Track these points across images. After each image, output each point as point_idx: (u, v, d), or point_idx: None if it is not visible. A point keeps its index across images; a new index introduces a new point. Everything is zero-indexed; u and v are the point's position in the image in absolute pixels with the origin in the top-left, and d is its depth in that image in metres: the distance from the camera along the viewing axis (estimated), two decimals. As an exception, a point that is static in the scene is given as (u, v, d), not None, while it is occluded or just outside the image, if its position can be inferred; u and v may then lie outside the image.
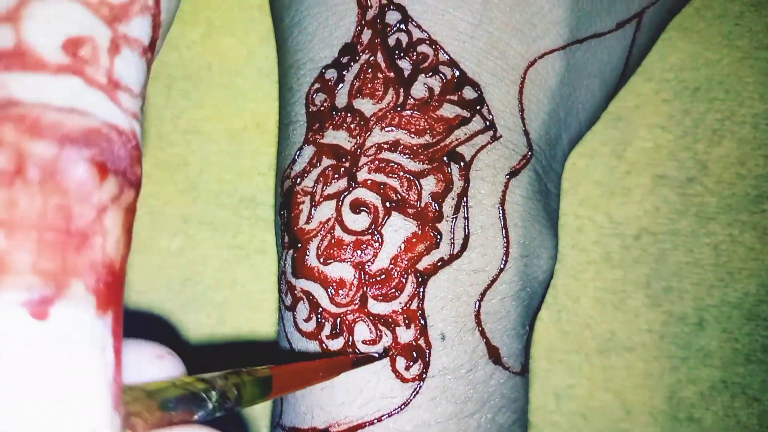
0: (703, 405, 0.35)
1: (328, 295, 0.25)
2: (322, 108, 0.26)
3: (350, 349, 0.25)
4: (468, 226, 0.25)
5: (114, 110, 0.15)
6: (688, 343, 0.35)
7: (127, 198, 0.15)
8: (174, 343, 0.35)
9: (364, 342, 0.25)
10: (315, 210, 0.25)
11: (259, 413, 0.35)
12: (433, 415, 0.25)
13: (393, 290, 0.25)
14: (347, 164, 0.25)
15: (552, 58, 0.27)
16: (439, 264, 0.25)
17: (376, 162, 0.25)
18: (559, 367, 0.35)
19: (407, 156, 0.25)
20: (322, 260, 0.25)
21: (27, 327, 0.13)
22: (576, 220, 0.36)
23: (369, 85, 0.26)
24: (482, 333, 0.25)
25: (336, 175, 0.25)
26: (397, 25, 0.26)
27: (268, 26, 0.36)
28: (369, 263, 0.25)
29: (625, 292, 0.35)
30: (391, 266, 0.25)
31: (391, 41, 0.26)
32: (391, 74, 0.26)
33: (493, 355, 0.26)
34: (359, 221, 0.25)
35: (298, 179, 0.26)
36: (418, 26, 0.26)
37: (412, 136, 0.25)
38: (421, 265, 0.25)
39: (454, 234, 0.25)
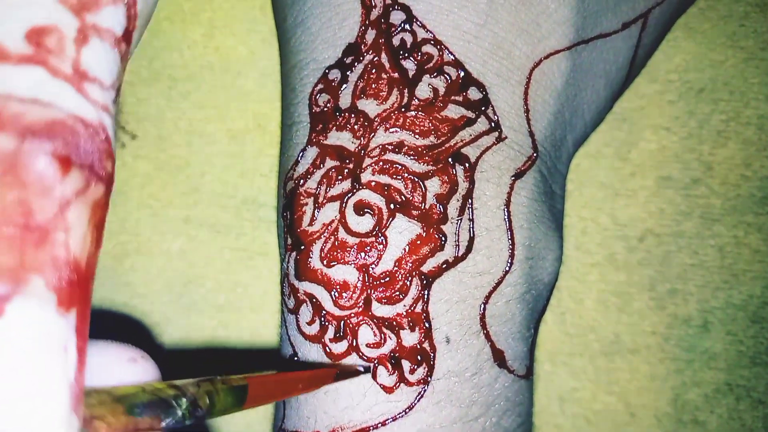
0: (708, 408, 0.35)
1: (332, 297, 0.25)
2: (325, 109, 0.26)
3: (354, 352, 0.25)
4: (473, 228, 0.25)
5: (80, 102, 0.14)
6: (692, 346, 0.35)
7: (94, 193, 0.14)
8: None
9: (368, 345, 0.24)
10: (318, 212, 0.25)
11: (261, 417, 0.34)
12: (437, 418, 0.24)
13: (397, 293, 0.24)
14: (351, 165, 0.25)
15: (557, 59, 0.26)
16: (443, 266, 0.25)
17: (380, 163, 0.25)
18: (563, 370, 0.35)
19: (412, 157, 0.25)
20: (325, 262, 0.25)
21: None
22: (580, 222, 0.35)
23: (373, 86, 0.25)
24: (487, 336, 0.25)
25: (339, 177, 0.25)
26: (402, 25, 0.25)
27: (270, 27, 0.36)
28: (373, 266, 0.24)
29: (629, 294, 0.35)
30: (396, 269, 0.24)
31: (396, 41, 0.26)
32: (396, 75, 0.25)
33: (498, 358, 0.25)
34: (363, 223, 0.25)
35: (301, 181, 0.26)
36: (423, 26, 0.25)
37: (417, 137, 0.25)
38: (426, 268, 0.24)
39: (458, 236, 0.25)
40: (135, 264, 0.35)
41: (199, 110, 0.36)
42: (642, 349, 0.35)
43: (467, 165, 0.25)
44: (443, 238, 0.25)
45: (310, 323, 0.25)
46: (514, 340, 0.26)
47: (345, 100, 0.26)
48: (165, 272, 0.35)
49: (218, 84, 0.36)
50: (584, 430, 0.35)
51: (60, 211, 0.13)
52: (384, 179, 0.25)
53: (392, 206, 0.25)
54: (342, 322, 0.25)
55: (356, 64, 0.26)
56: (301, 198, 0.26)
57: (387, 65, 0.26)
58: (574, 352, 0.35)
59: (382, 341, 0.24)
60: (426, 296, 0.24)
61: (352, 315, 0.25)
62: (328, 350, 0.25)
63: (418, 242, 0.24)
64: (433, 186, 0.25)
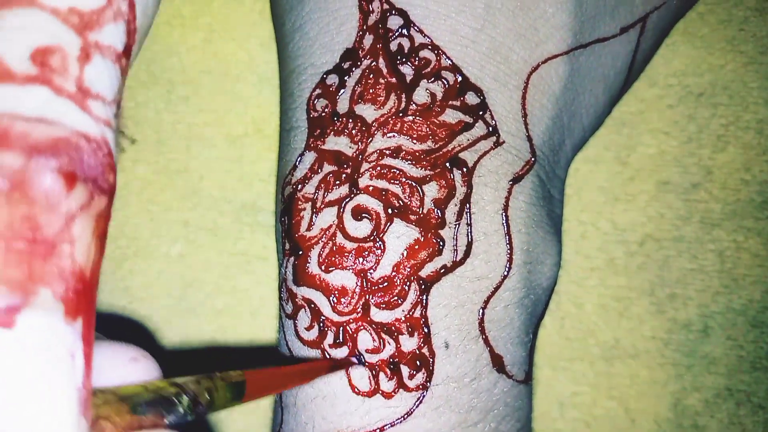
0: (708, 413, 0.35)
1: (330, 303, 0.25)
2: (323, 114, 0.26)
3: (353, 358, 0.25)
4: (471, 232, 0.25)
5: (84, 118, 0.15)
6: (692, 351, 0.35)
7: (98, 205, 0.15)
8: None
9: (367, 351, 0.24)
10: (316, 217, 0.25)
11: (259, 423, 0.34)
12: (436, 424, 0.24)
13: (396, 298, 0.24)
14: (349, 170, 0.25)
15: (555, 63, 0.26)
16: (442, 271, 0.24)
17: (378, 168, 0.25)
18: (563, 375, 0.35)
19: (409, 162, 0.25)
20: (323, 268, 0.25)
21: None
22: (579, 227, 0.35)
23: (371, 91, 0.25)
24: (486, 341, 0.25)
25: (337, 182, 0.25)
26: (399, 30, 0.25)
27: (268, 31, 0.36)
28: (371, 271, 0.24)
29: (629, 299, 0.35)
30: (394, 274, 0.24)
31: (393, 46, 0.26)
32: (393, 80, 0.25)
33: (497, 363, 0.25)
34: (361, 228, 0.25)
35: (299, 185, 0.26)
36: (420, 31, 0.25)
37: (414, 141, 0.25)
38: (424, 273, 0.24)
39: (456, 241, 0.25)
40: (134, 268, 0.35)
41: (198, 114, 0.36)
42: (642, 354, 0.35)
43: (465, 169, 0.25)
44: (441, 243, 0.25)
45: (308, 329, 0.25)
46: (513, 345, 0.26)
47: (343, 105, 0.26)
48: (164, 276, 0.35)
49: (217, 88, 0.36)
50: (584, 435, 0.35)
51: (66, 225, 0.14)
52: (382, 184, 0.25)
53: (390, 211, 0.25)
54: (341, 328, 0.25)
55: (354, 69, 0.26)
56: (299, 203, 0.26)
57: (384, 70, 0.26)
58: (574, 357, 0.35)
59: (381, 347, 0.24)
60: (424, 301, 0.24)
61: (351, 320, 0.24)
62: (327, 356, 0.25)
63: (417, 247, 0.24)
64: (431, 191, 0.25)
